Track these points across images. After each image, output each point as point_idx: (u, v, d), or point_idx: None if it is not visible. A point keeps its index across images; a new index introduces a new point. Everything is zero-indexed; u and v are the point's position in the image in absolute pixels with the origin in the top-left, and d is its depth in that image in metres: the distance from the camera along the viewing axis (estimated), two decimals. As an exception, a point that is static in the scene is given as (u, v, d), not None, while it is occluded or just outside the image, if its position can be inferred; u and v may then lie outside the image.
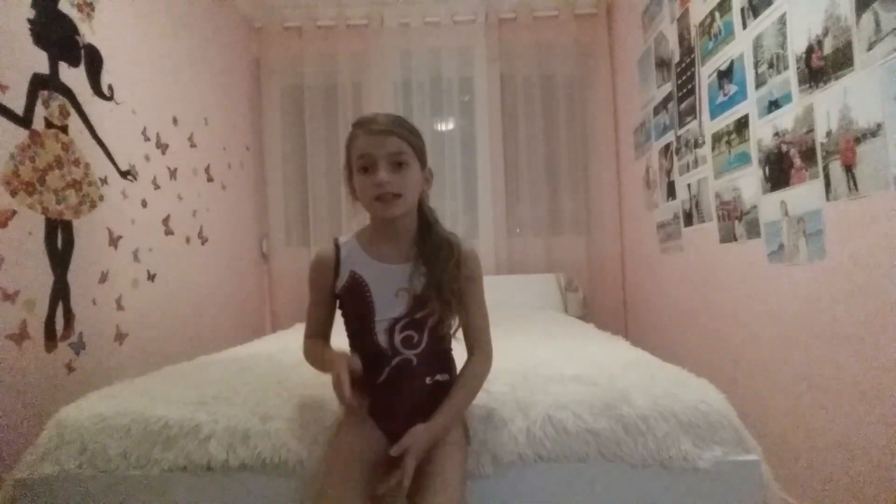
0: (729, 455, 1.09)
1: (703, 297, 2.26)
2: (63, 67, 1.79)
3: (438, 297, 1.06)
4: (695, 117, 2.22)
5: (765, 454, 1.12)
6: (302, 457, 1.09)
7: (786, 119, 1.62)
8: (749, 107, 1.81)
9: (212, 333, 2.66)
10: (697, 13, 2.15)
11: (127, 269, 2.07)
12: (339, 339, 1.16)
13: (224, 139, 2.96)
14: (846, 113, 1.37)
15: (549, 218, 3.39)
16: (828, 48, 1.42)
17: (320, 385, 1.27)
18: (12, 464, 1.18)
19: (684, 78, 2.31)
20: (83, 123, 1.87)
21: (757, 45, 1.75)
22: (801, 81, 1.54)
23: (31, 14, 1.67)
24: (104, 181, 1.96)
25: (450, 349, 1.16)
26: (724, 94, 1.97)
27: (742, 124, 1.86)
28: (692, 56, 2.22)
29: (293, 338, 1.19)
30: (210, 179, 2.78)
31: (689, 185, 2.32)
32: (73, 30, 1.85)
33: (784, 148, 1.64)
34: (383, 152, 1.04)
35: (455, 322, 1.12)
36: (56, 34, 1.77)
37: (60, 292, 1.72)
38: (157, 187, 2.30)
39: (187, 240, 2.54)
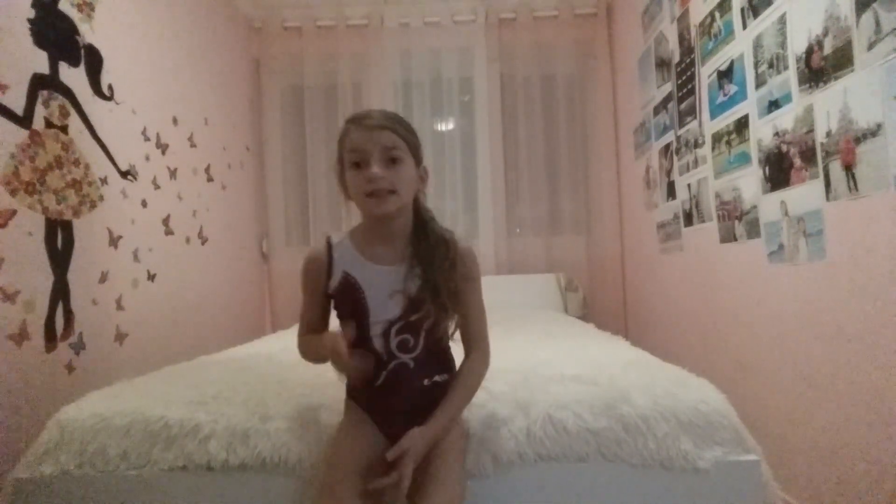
0: (729, 455, 1.09)
1: (703, 298, 2.26)
2: (63, 67, 1.79)
3: (434, 300, 1.04)
4: (695, 117, 2.22)
5: (765, 454, 1.12)
6: (302, 457, 1.09)
7: (786, 119, 1.62)
8: (749, 107, 1.81)
9: (212, 333, 2.66)
10: (697, 13, 2.15)
11: (127, 269, 2.07)
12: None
13: (224, 139, 2.95)
14: (846, 113, 1.37)
15: (549, 218, 3.39)
16: (828, 48, 1.42)
17: (320, 385, 1.27)
18: (12, 464, 1.18)
19: (684, 78, 2.30)
20: (83, 123, 1.87)
21: (757, 45, 1.75)
22: (801, 81, 1.54)
23: (31, 14, 1.67)
24: (104, 181, 1.96)
25: (448, 348, 1.14)
26: (724, 94, 1.97)
27: (742, 124, 1.86)
28: (692, 56, 2.22)
29: (293, 338, 1.19)
30: (210, 179, 2.78)
31: (689, 185, 2.32)
32: (73, 30, 1.85)
33: (784, 148, 1.64)
34: (376, 147, 1.00)
35: (452, 323, 1.10)
36: (56, 34, 1.77)
37: (60, 292, 1.72)
38: (157, 187, 2.30)
39: (187, 240, 2.54)
